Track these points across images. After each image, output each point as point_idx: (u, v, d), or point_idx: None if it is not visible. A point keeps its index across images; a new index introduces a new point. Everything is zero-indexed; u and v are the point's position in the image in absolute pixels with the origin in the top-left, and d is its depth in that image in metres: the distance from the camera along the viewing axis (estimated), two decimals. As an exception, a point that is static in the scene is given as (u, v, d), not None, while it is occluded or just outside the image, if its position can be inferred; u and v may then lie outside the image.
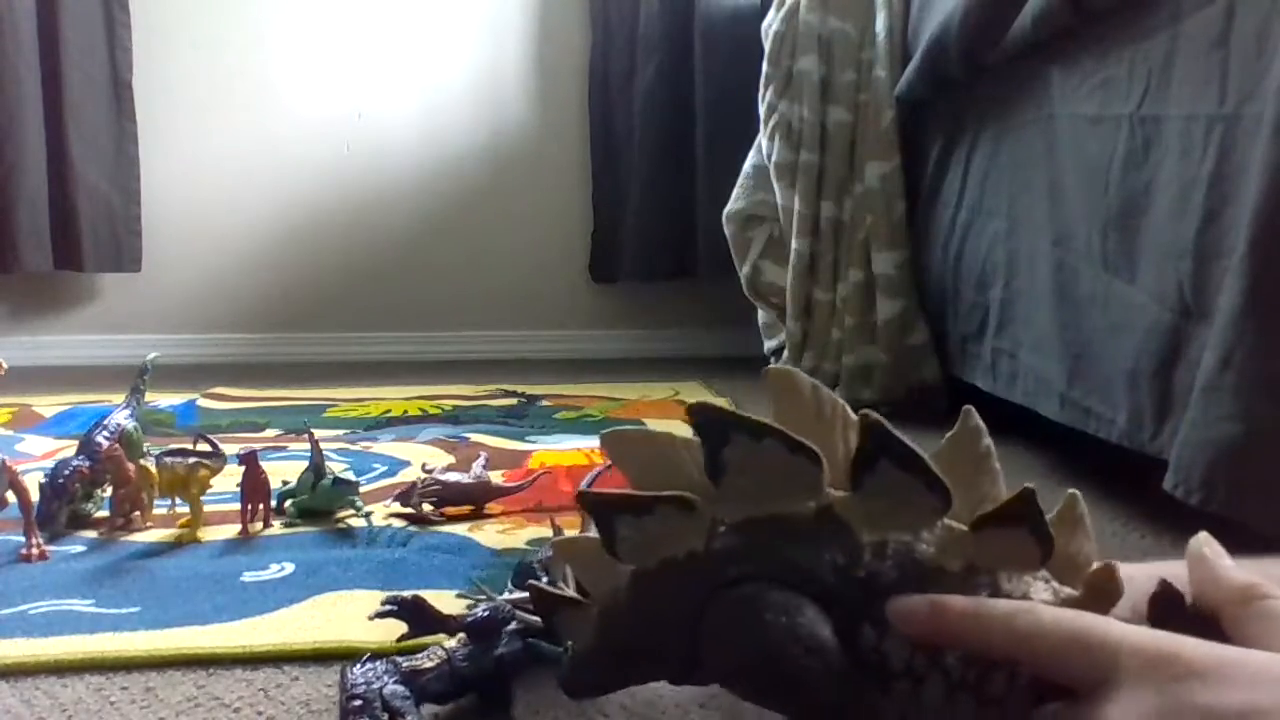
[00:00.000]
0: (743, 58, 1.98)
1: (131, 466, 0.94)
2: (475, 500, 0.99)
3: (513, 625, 0.59)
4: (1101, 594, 0.41)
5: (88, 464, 0.94)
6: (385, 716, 0.53)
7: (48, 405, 1.59)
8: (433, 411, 1.57)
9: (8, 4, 2.06)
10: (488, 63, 2.34)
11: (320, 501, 0.96)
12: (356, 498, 0.97)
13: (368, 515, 0.95)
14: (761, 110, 1.74)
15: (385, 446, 1.30)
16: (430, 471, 1.02)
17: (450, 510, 0.98)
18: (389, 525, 0.93)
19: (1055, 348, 1.09)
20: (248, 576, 0.79)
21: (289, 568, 0.81)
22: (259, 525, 0.93)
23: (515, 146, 2.36)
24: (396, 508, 0.98)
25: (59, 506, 0.91)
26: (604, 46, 2.30)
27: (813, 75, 1.63)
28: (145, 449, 1.02)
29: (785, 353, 1.71)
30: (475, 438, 1.35)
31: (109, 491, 0.95)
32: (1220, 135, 0.79)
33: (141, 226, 2.23)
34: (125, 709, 0.57)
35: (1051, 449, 1.23)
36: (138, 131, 2.23)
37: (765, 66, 1.71)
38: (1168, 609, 0.40)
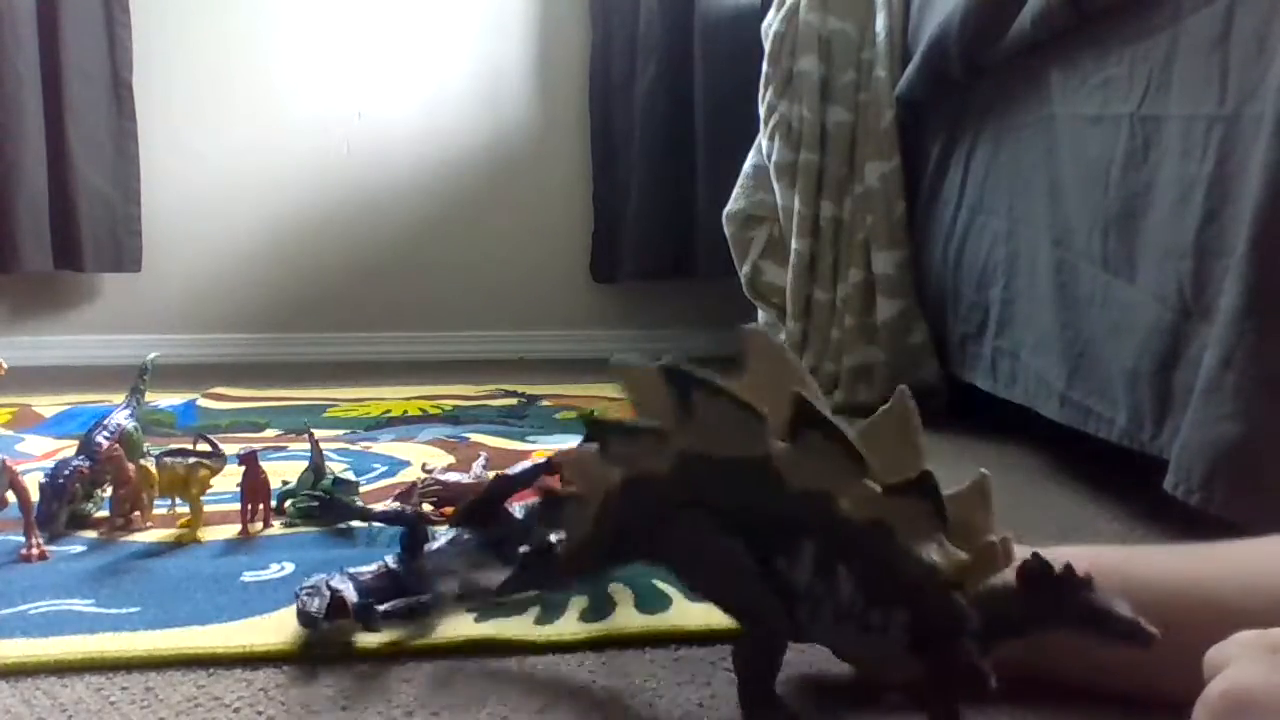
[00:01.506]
0: (743, 58, 1.98)
1: (131, 466, 0.94)
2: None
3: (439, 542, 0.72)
4: (987, 563, 0.50)
5: (88, 464, 0.94)
6: (328, 593, 0.65)
7: (48, 405, 1.59)
8: (433, 411, 1.57)
9: (8, 4, 2.06)
10: (488, 63, 2.34)
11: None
12: (356, 498, 0.97)
13: (368, 515, 0.95)
14: (761, 110, 1.74)
15: (385, 446, 1.30)
16: (430, 471, 1.02)
17: (450, 510, 0.98)
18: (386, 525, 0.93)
19: (1055, 348, 1.09)
20: (248, 576, 0.79)
21: (289, 568, 0.81)
22: (259, 525, 0.93)
23: (515, 146, 2.35)
24: (396, 508, 0.98)
25: (59, 506, 0.91)
26: (604, 46, 2.30)
27: (813, 75, 1.63)
28: (145, 449, 1.02)
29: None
30: (475, 438, 1.35)
31: (109, 491, 0.95)
32: (1220, 135, 0.79)
33: (141, 226, 2.23)
34: (125, 709, 0.57)
35: (1051, 449, 1.23)
36: (138, 131, 2.23)
37: (765, 66, 1.71)
38: (1035, 579, 0.48)
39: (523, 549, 0.67)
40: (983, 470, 0.52)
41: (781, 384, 0.53)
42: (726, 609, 0.57)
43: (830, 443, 0.51)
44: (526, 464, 0.80)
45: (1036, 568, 0.48)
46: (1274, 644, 0.38)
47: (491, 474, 1.03)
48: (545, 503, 0.65)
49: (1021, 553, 0.50)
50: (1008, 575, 0.50)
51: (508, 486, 0.78)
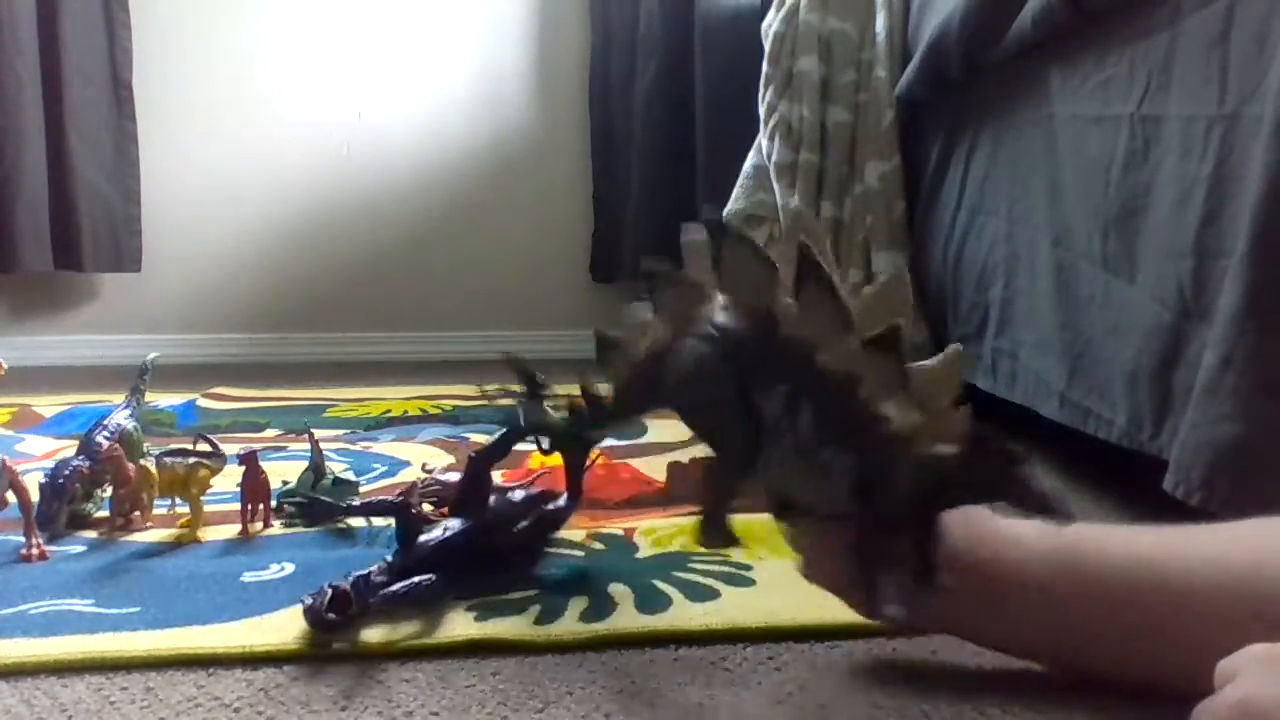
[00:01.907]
0: (743, 58, 1.98)
1: (131, 466, 0.94)
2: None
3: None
4: (940, 430, 0.54)
5: (88, 464, 0.94)
6: (331, 590, 0.66)
7: (48, 405, 1.59)
8: (433, 411, 1.57)
9: (8, 4, 2.06)
10: (488, 63, 2.34)
11: (320, 501, 0.96)
12: (356, 498, 0.97)
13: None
14: (761, 110, 1.74)
15: (385, 446, 1.30)
16: (430, 471, 1.02)
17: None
18: (388, 525, 0.93)
19: (1055, 348, 1.09)
20: (248, 576, 0.79)
21: (289, 568, 0.81)
22: (259, 525, 0.93)
23: (515, 147, 2.35)
24: (381, 498, 0.98)
25: (59, 506, 0.91)
26: (604, 46, 2.30)
27: (813, 75, 1.63)
28: (145, 449, 1.02)
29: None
30: (475, 438, 1.35)
31: (109, 491, 0.95)
32: (1220, 135, 0.79)
33: (141, 226, 2.23)
34: (125, 709, 0.57)
35: (1051, 449, 1.23)
36: (138, 131, 2.23)
37: (765, 66, 1.71)
38: (982, 443, 0.53)
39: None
40: (956, 345, 0.58)
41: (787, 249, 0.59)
42: (706, 433, 0.62)
43: (825, 296, 0.56)
44: (494, 437, 0.81)
45: (985, 434, 0.53)
46: None
47: (491, 474, 1.04)
48: (600, 345, 0.71)
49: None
50: (954, 445, 0.54)
51: (484, 462, 0.79)
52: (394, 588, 0.68)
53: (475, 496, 0.78)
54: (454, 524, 0.76)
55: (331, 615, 0.65)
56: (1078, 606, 0.56)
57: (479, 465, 0.79)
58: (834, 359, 0.55)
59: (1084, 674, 0.58)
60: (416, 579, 0.69)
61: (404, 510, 0.74)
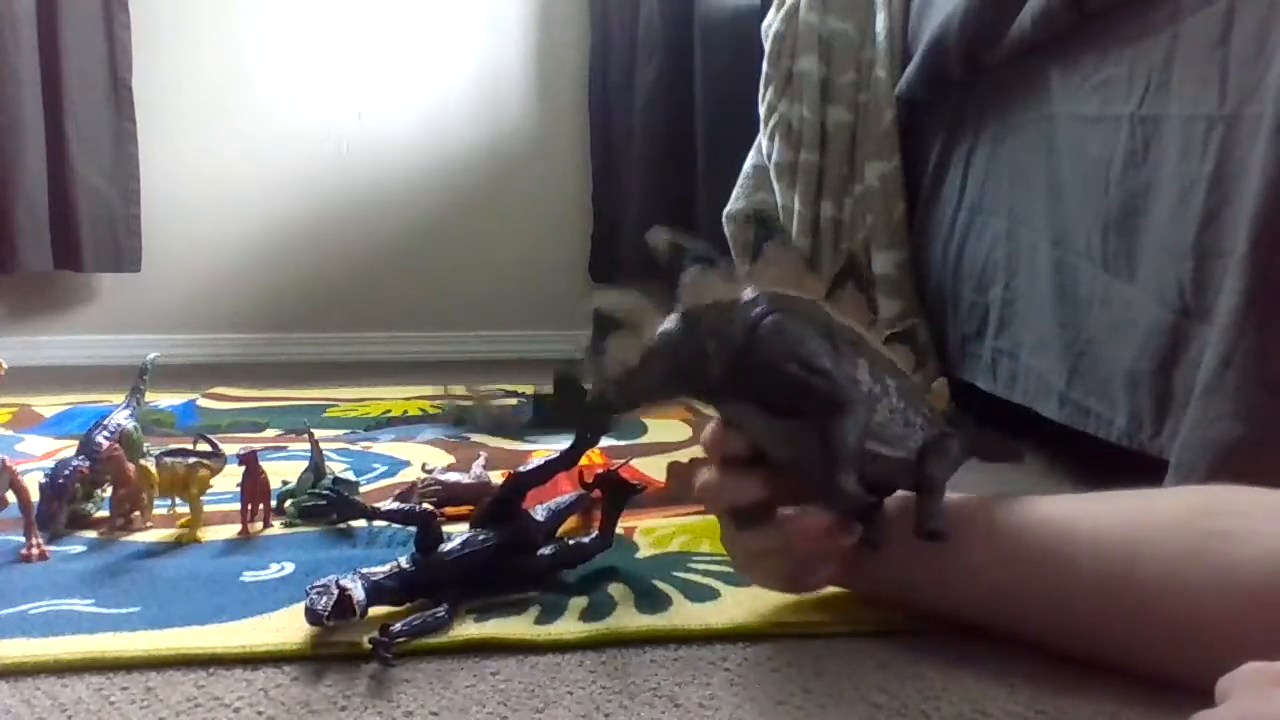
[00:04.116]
0: (743, 58, 1.98)
1: (131, 466, 0.94)
2: (476, 501, 0.99)
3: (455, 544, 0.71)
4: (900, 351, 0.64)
5: (88, 464, 0.94)
6: (336, 592, 0.64)
7: (48, 405, 1.59)
8: (433, 411, 1.57)
9: (8, 4, 2.06)
10: (488, 63, 2.34)
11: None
12: (357, 498, 0.97)
13: (368, 515, 0.95)
14: (761, 110, 1.74)
15: (385, 446, 1.30)
16: (430, 471, 1.02)
17: (450, 510, 0.98)
18: (388, 525, 0.93)
19: (1055, 348, 1.09)
20: (248, 576, 0.79)
21: (289, 568, 0.81)
22: (259, 525, 0.93)
23: (515, 146, 2.36)
24: (407, 506, 0.97)
25: (59, 506, 0.91)
26: (604, 46, 2.30)
27: (813, 75, 1.63)
28: (145, 449, 1.02)
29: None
30: (475, 438, 1.35)
31: (109, 491, 0.95)
32: (1220, 135, 0.79)
33: (141, 226, 2.23)
34: (125, 709, 0.57)
35: (1051, 449, 1.23)
36: (137, 131, 2.23)
37: (765, 66, 1.71)
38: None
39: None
40: (915, 320, 0.65)
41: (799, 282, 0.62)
42: (819, 402, 0.59)
43: (860, 295, 0.63)
44: (539, 461, 0.79)
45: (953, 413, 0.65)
46: (1278, 677, 0.39)
47: (492, 474, 1.04)
48: (598, 323, 0.65)
49: None
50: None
51: (523, 485, 0.77)
52: (404, 624, 0.65)
53: (504, 512, 0.76)
54: (474, 537, 0.73)
55: (332, 623, 0.64)
56: (1002, 570, 0.62)
57: (518, 486, 0.76)
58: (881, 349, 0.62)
59: (1024, 641, 0.63)
60: (426, 614, 0.66)
61: (428, 520, 0.72)
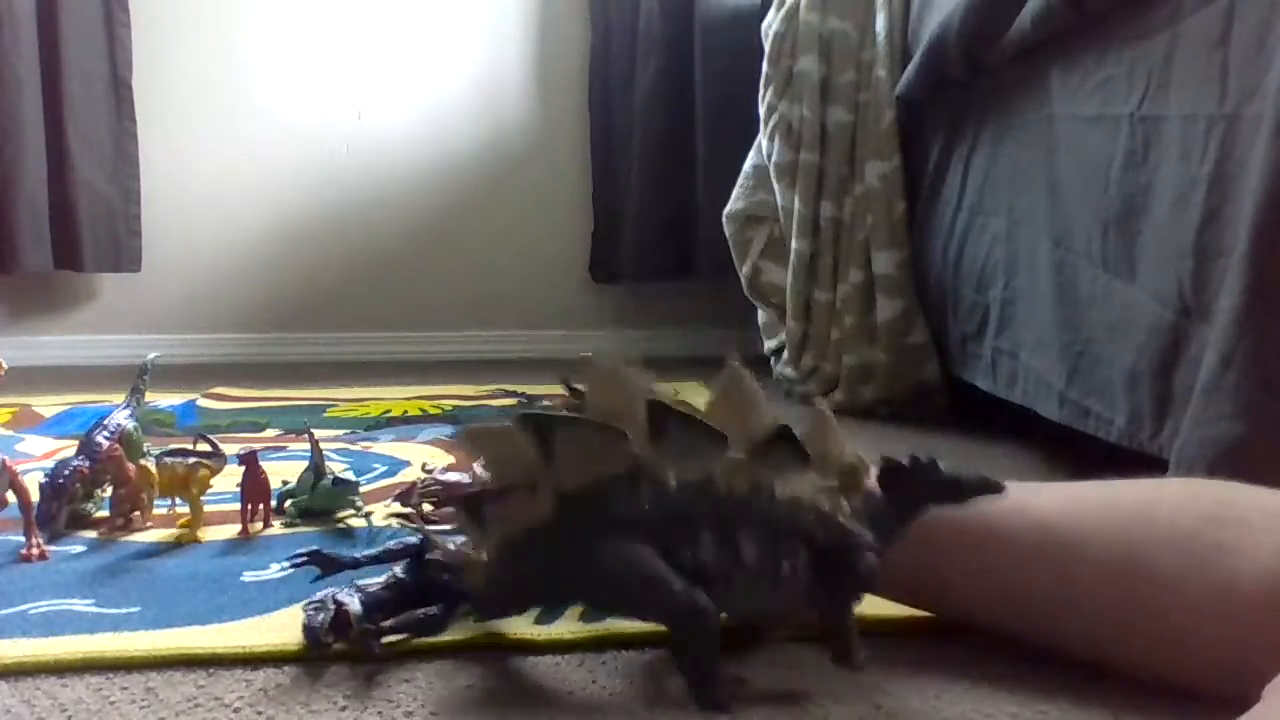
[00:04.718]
0: (743, 58, 1.98)
1: (131, 466, 0.94)
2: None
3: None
4: (853, 481, 0.59)
5: (88, 464, 0.94)
6: (333, 608, 0.64)
7: (48, 405, 1.59)
8: (433, 411, 1.57)
9: (8, 4, 2.06)
10: (488, 63, 2.34)
11: (320, 501, 0.96)
12: (356, 498, 0.97)
13: (368, 515, 0.95)
14: (761, 110, 1.74)
15: (385, 446, 1.30)
16: (430, 471, 1.02)
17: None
18: (389, 525, 0.93)
19: (1055, 348, 1.09)
20: (248, 576, 0.79)
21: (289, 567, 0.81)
22: (259, 525, 0.93)
23: (515, 146, 2.35)
24: (396, 508, 0.97)
25: (59, 506, 0.91)
26: (604, 46, 2.30)
27: (813, 75, 1.63)
28: (145, 449, 1.02)
29: (785, 352, 1.71)
30: (475, 438, 1.35)
31: (109, 491, 0.95)
32: (1220, 135, 0.79)
33: (141, 226, 2.23)
34: (125, 709, 0.57)
35: (1051, 449, 1.23)
36: (138, 131, 2.22)
37: (765, 66, 1.71)
38: (892, 475, 0.59)
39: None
40: (820, 409, 0.62)
41: (629, 404, 0.57)
42: (661, 618, 0.58)
43: (689, 431, 0.56)
44: None
45: (890, 466, 0.59)
46: None
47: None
48: (435, 567, 0.64)
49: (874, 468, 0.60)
50: (871, 486, 0.59)
51: None
52: (396, 620, 0.65)
53: None
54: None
55: (330, 639, 0.63)
56: (996, 576, 0.62)
57: None
58: (734, 478, 0.57)
59: (1015, 637, 0.63)
60: (420, 611, 0.66)
61: (425, 548, 0.68)
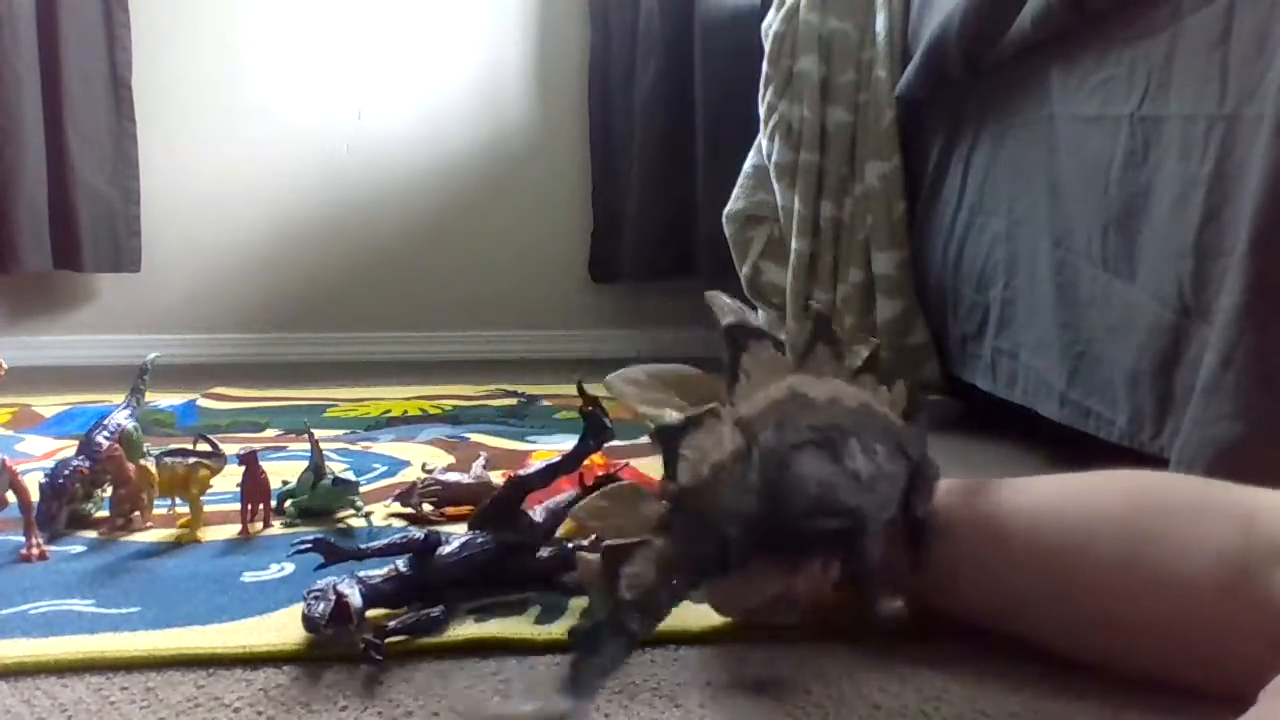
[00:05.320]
0: (743, 58, 1.98)
1: (131, 466, 0.94)
2: (476, 501, 0.99)
3: (451, 546, 0.71)
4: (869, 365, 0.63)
5: (88, 464, 0.94)
6: (333, 598, 0.63)
7: (48, 405, 1.59)
8: (433, 411, 1.57)
9: (8, 4, 2.06)
10: (488, 63, 2.34)
11: (320, 501, 0.96)
12: (357, 498, 0.97)
13: (368, 515, 0.95)
14: (761, 110, 1.73)
15: (385, 446, 1.30)
16: (430, 471, 1.02)
17: (450, 510, 0.98)
18: (389, 525, 0.93)
19: (1055, 348, 1.09)
20: (248, 576, 0.79)
21: (289, 568, 0.81)
22: (259, 525, 0.93)
23: (515, 146, 2.35)
24: (396, 508, 0.98)
25: (59, 506, 0.91)
26: (604, 46, 2.30)
27: (813, 75, 1.63)
28: (145, 449, 1.02)
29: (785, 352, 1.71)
30: (475, 438, 1.35)
31: (109, 491, 0.95)
32: (1220, 135, 0.79)
33: (141, 226, 2.23)
34: (125, 709, 0.57)
35: (1052, 449, 1.23)
36: (138, 131, 2.23)
37: (765, 66, 1.71)
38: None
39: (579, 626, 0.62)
40: (875, 341, 0.65)
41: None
42: (842, 540, 0.57)
43: (831, 349, 0.62)
44: (541, 464, 0.78)
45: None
46: None
47: (492, 474, 1.04)
48: (608, 557, 0.54)
49: None
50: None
51: (524, 487, 0.77)
52: (398, 622, 0.65)
53: (504, 513, 0.75)
54: (473, 539, 0.73)
55: (329, 630, 0.63)
56: (1000, 567, 0.62)
57: (519, 490, 0.76)
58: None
59: (1028, 641, 0.62)
60: (423, 612, 0.66)
61: (426, 544, 0.70)
